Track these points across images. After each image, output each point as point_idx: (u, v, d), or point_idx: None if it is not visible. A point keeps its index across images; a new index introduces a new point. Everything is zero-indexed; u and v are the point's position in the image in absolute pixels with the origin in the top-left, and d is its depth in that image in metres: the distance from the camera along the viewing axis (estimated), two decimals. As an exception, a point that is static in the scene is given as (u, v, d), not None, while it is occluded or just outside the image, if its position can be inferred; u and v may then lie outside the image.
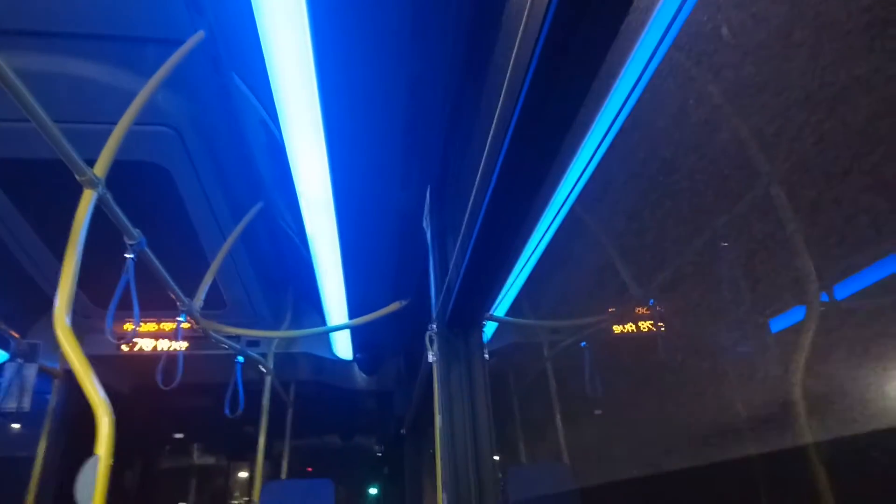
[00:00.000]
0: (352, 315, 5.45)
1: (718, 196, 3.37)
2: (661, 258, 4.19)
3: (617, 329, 5.98)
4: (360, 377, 8.10)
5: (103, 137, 2.62)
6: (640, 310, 5.05)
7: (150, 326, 5.76)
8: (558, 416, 5.91)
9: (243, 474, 13.25)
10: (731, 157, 3.06)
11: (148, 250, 3.10)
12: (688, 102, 2.88)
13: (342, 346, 6.85)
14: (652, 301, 4.62)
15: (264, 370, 6.01)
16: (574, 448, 6.13)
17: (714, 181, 3.41)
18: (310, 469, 12.08)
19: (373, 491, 16.31)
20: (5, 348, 4.81)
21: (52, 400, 5.56)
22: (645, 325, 5.90)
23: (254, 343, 5.99)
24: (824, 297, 3.35)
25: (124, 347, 5.62)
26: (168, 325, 5.81)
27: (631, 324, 6.01)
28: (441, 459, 2.81)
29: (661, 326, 4.53)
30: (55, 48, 2.86)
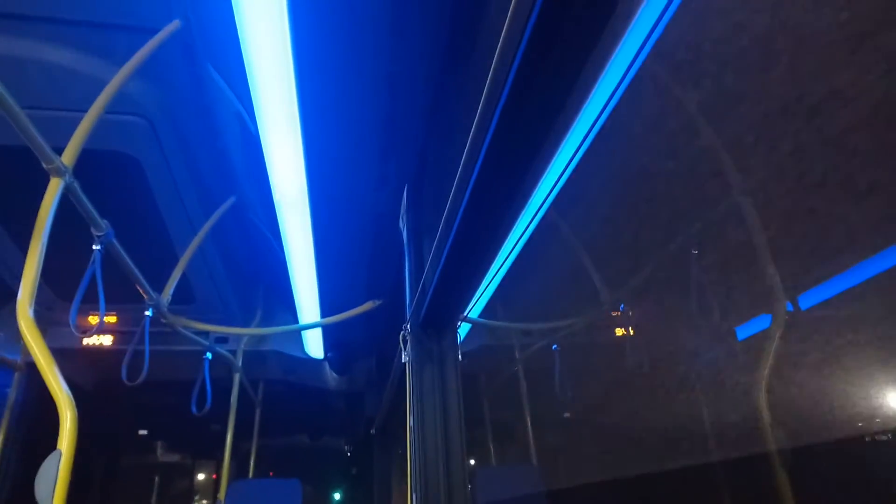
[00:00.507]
0: (324, 313, 5.40)
1: (695, 203, 3.43)
2: (633, 264, 4.24)
3: (589, 332, 6.05)
4: (330, 377, 8.03)
5: (73, 125, 2.55)
6: (612, 314, 5.11)
7: (116, 320, 5.64)
8: (528, 419, 5.94)
9: (209, 473, 13.03)
10: (706, 166, 3.12)
11: (116, 242, 3.03)
12: (666, 110, 2.92)
13: (313, 344, 6.78)
14: (622, 306, 4.68)
15: (233, 368, 5.92)
16: (543, 451, 6.17)
17: (690, 189, 3.46)
18: (271, 474, 11.92)
19: (336, 496, 16.22)
20: (-37, 340, 4.66)
21: (13, 393, 5.40)
22: (615, 330, 5.97)
23: (223, 340, 5.90)
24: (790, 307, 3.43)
25: (88, 341, 5.49)
26: (134, 320, 5.69)
27: (602, 328, 6.08)
28: (411, 460, 2.80)
29: (631, 331, 4.58)
30: (25, 32, 2.77)
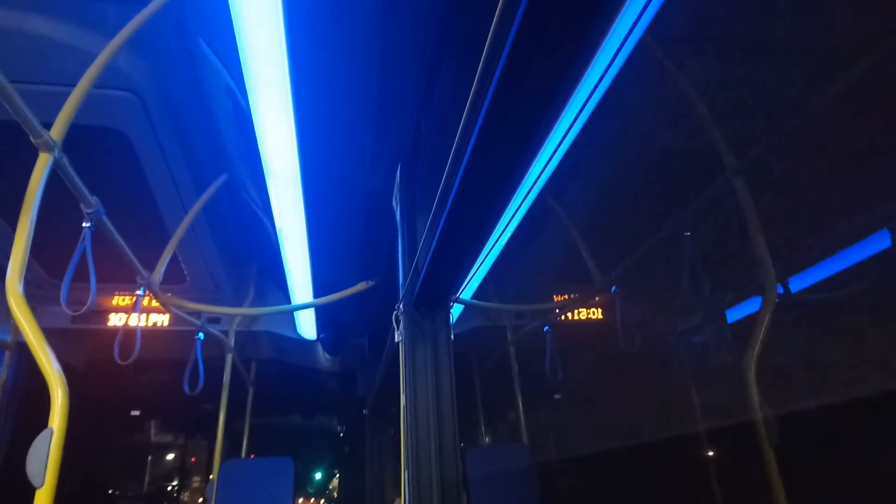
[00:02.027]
0: (317, 294, 5.39)
1: (690, 184, 3.42)
2: (627, 246, 4.25)
3: (579, 314, 6.08)
4: (323, 357, 8.05)
5: (61, 99, 2.51)
6: (602, 297, 5.13)
7: (108, 299, 5.62)
8: (519, 399, 5.99)
9: (201, 452, 13.11)
10: (704, 147, 3.11)
11: (106, 219, 3.00)
12: (663, 86, 2.91)
13: (306, 325, 6.79)
14: (614, 288, 4.69)
15: (225, 348, 5.92)
16: (533, 428, 6.23)
17: (686, 170, 3.45)
18: (252, 455, 11.97)
19: (318, 476, 16.61)
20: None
21: (3, 372, 5.38)
22: (606, 311, 6.00)
23: (215, 320, 5.88)
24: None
25: (79, 320, 5.48)
26: (126, 299, 5.67)
27: (593, 309, 6.11)
28: (404, 439, 2.81)
29: (622, 312, 4.60)
30: (11, 2, 2.71)
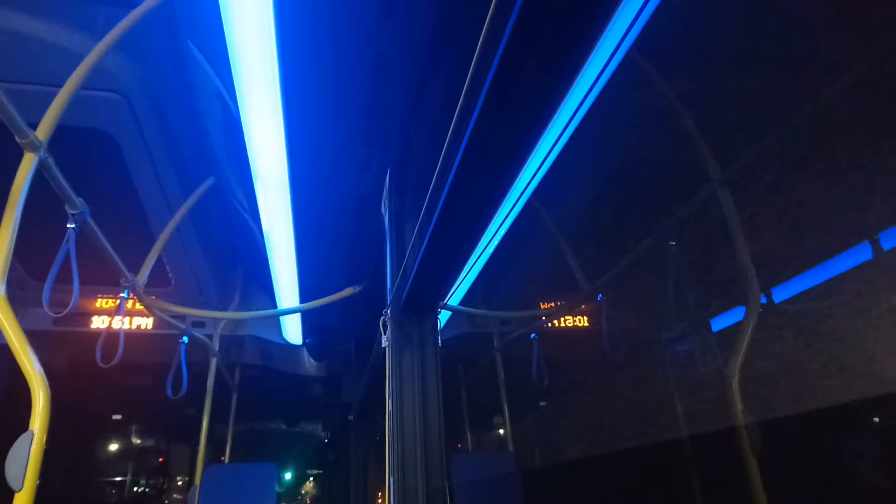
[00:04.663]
0: (303, 299, 5.37)
1: (677, 192, 3.45)
2: (612, 254, 4.28)
3: (566, 321, 6.10)
4: (308, 362, 8.00)
5: (48, 100, 2.49)
6: (588, 305, 5.15)
7: (91, 302, 5.55)
8: (505, 406, 5.98)
9: (183, 457, 12.95)
10: (692, 160, 3.14)
11: (91, 221, 2.97)
12: (650, 97, 2.94)
13: (292, 330, 6.75)
14: (600, 296, 4.71)
15: (209, 352, 5.86)
16: (519, 435, 6.23)
17: (673, 176, 3.48)
18: (223, 459, 11.84)
19: (287, 476, 16.70)
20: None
21: (-18, 375, 5.30)
22: (593, 319, 6.03)
23: (199, 324, 5.82)
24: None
25: (61, 323, 5.40)
26: (110, 301, 5.62)
27: (579, 317, 6.14)
28: (389, 444, 2.80)
29: (608, 320, 4.62)
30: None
